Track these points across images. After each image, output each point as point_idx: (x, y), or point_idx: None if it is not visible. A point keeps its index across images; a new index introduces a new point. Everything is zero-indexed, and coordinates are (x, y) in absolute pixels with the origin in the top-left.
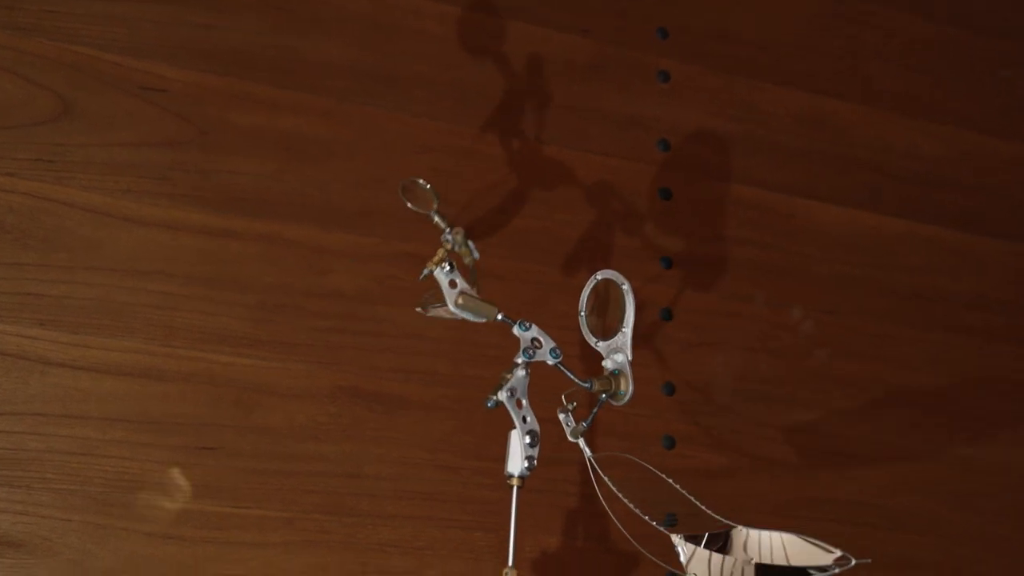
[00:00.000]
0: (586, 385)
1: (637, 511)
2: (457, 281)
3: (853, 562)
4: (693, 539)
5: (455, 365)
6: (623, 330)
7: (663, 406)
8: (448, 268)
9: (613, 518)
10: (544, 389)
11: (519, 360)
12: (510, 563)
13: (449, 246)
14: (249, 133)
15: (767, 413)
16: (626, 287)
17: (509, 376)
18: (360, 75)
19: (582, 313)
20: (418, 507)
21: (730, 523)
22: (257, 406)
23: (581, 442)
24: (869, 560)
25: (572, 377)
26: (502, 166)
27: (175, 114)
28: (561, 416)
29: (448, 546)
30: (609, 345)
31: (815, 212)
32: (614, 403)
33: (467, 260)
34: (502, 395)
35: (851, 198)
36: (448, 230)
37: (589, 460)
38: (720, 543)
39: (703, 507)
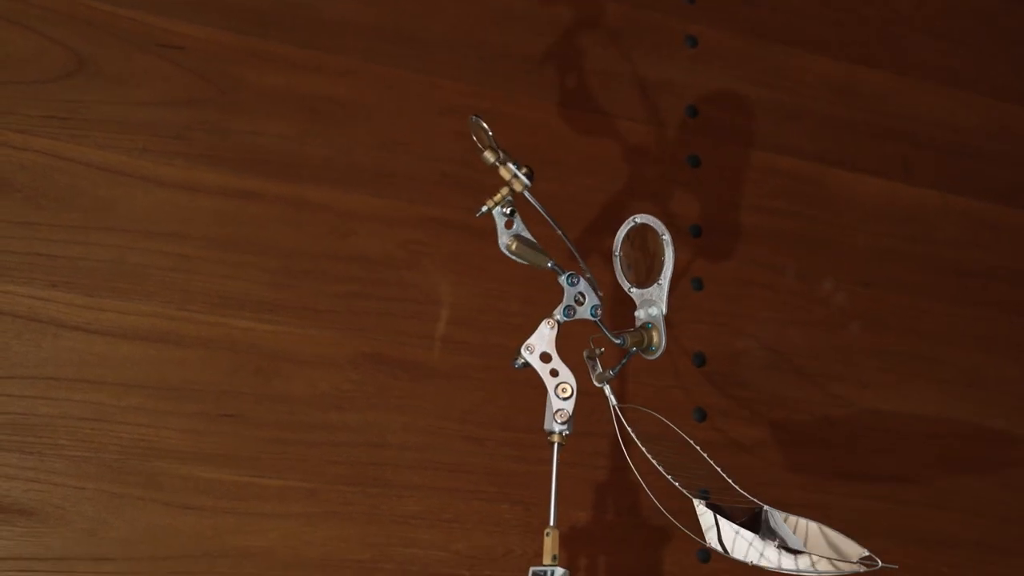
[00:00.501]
0: (618, 342)
1: (658, 466)
2: (514, 222)
3: (879, 565)
4: (716, 509)
5: (481, 333)
6: (659, 283)
7: (694, 377)
8: (509, 210)
9: (631, 465)
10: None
11: (558, 318)
12: (551, 523)
13: (518, 187)
14: (269, 93)
15: (800, 386)
16: (666, 238)
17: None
18: (382, 35)
19: (617, 254)
20: (444, 478)
21: (756, 501)
22: (278, 373)
23: (607, 388)
24: (895, 567)
25: (607, 333)
26: (526, 129)
27: (193, 72)
28: (588, 360)
29: (474, 518)
30: (643, 295)
31: (848, 182)
32: (645, 356)
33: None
34: (525, 353)
35: (885, 169)
36: (518, 168)
37: (613, 408)
38: (743, 518)
39: (728, 480)
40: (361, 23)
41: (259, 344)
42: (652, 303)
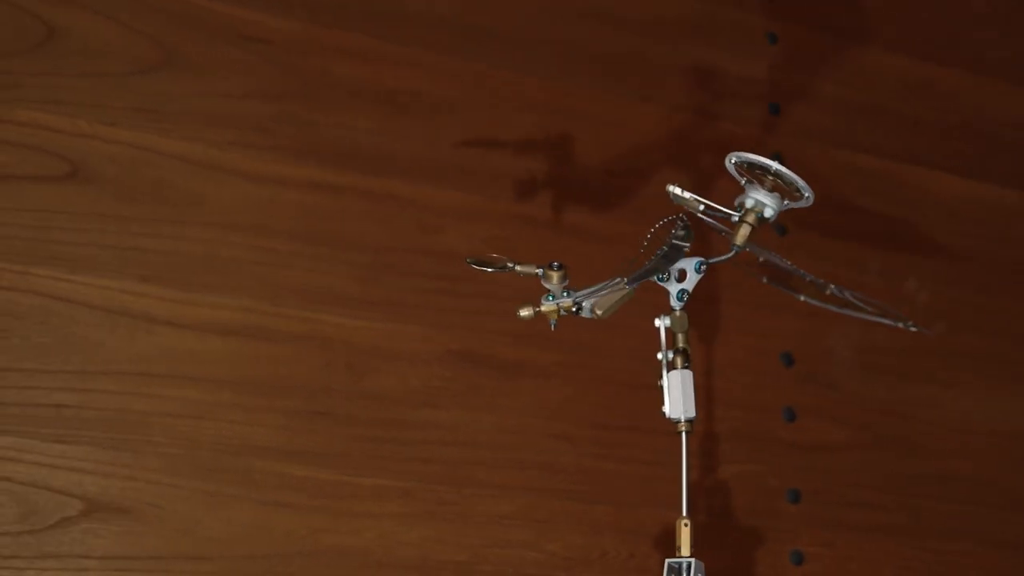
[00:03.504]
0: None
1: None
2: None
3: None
4: None
5: (570, 330)
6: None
7: (783, 377)
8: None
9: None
10: None
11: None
12: (684, 512)
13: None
14: (353, 86)
15: (886, 386)
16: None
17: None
18: (466, 30)
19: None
20: (535, 478)
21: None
22: (369, 370)
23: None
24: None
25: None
26: (608, 126)
27: (279, 65)
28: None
29: (568, 519)
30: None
31: (929, 181)
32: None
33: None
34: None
35: (966, 168)
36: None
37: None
38: None
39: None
40: (445, 17)
41: (349, 340)
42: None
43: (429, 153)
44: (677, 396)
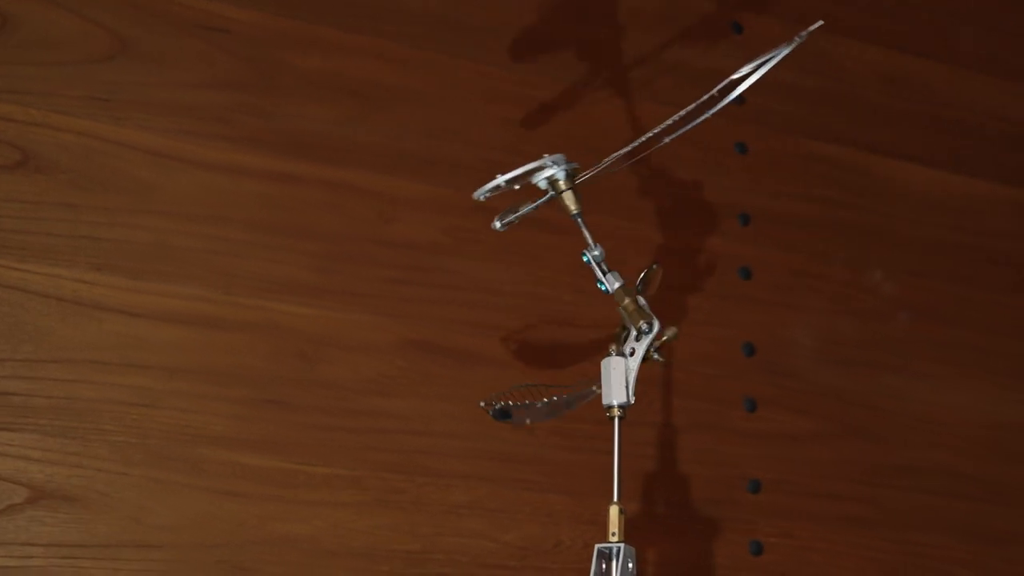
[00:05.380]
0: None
1: None
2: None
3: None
4: None
5: (529, 321)
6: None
7: (744, 367)
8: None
9: None
10: None
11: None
12: (615, 498)
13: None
14: (314, 77)
15: (851, 376)
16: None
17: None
18: (429, 20)
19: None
20: (492, 468)
21: None
22: (321, 358)
23: None
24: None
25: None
26: (573, 117)
27: (238, 55)
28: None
29: (524, 509)
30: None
31: (898, 172)
32: None
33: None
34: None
35: (936, 159)
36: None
37: None
38: None
39: None
40: (408, 8)
41: (303, 329)
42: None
43: (390, 144)
44: (608, 383)
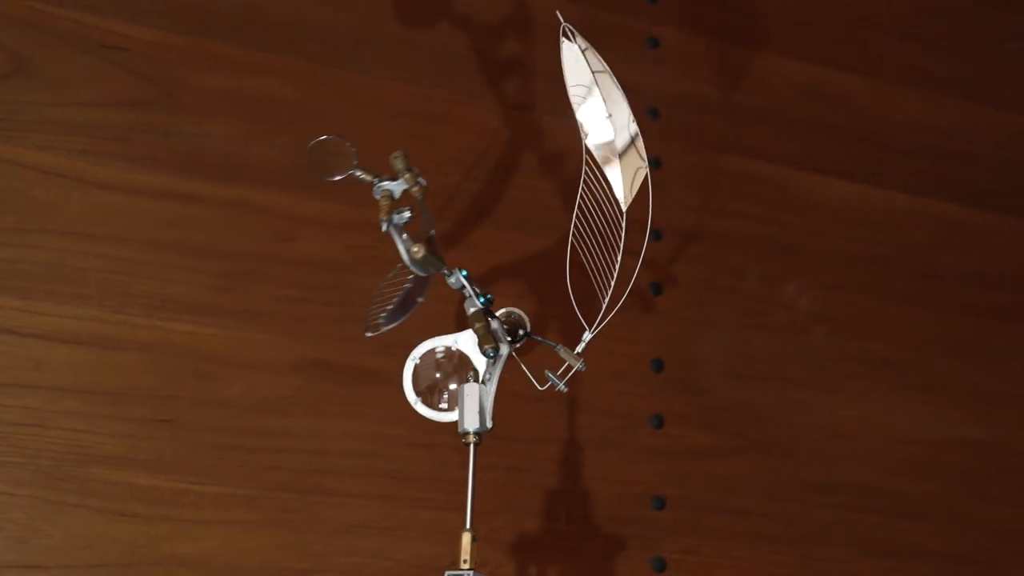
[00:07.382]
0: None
1: None
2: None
3: None
4: None
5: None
6: None
7: (652, 383)
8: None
9: None
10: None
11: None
12: (467, 524)
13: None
14: (215, 95)
15: (761, 392)
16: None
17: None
18: (331, 37)
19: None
20: (388, 486)
21: None
22: (217, 377)
23: None
24: None
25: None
26: (481, 132)
27: (136, 74)
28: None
29: (419, 527)
30: None
31: (815, 185)
32: None
33: (414, 189)
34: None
35: (854, 171)
36: (376, 180)
37: None
38: None
39: None
40: (309, 25)
41: (199, 348)
42: None
43: (290, 161)
44: (463, 409)
